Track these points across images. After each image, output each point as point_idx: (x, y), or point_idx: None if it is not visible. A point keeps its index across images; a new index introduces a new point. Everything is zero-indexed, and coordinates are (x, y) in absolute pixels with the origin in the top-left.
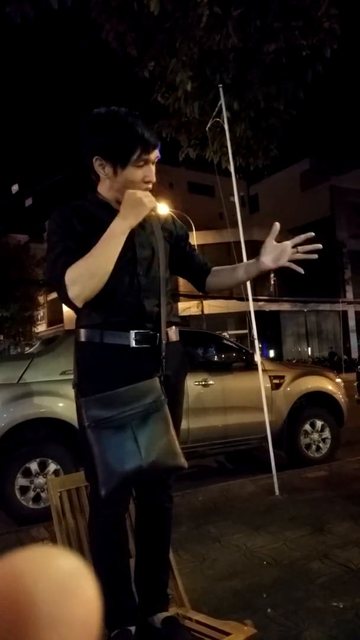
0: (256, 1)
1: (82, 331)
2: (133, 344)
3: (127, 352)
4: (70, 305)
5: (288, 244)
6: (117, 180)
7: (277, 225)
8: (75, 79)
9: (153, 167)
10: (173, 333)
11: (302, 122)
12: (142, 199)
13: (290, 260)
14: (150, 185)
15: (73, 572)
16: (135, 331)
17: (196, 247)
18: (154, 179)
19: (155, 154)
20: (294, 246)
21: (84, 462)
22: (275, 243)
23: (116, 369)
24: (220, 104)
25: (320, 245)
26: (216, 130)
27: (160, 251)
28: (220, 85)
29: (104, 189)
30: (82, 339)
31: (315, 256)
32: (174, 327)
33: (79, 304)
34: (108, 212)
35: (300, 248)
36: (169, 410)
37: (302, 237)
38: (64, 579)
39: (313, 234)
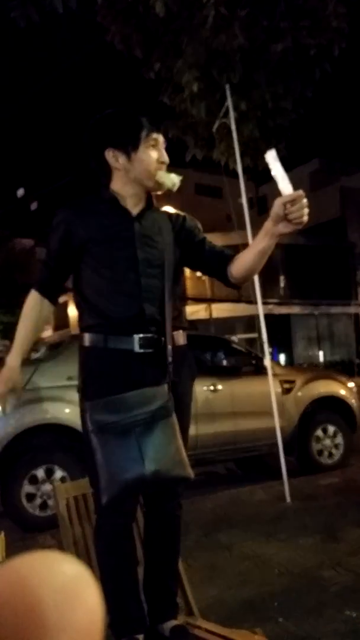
0: (263, 1)
1: (87, 335)
2: (137, 348)
3: (131, 357)
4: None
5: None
6: (133, 166)
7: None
8: (81, 82)
9: (164, 150)
10: (180, 337)
11: (310, 121)
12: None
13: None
14: (164, 167)
15: (77, 578)
16: (140, 335)
17: None
18: (167, 160)
19: (162, 138)
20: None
21: (88, 468)
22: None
23: (121, 374)
24: (227, 105)
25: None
26: (223, 131)
27: (166, 253)
28: (227, 85)
29: (119, 185)
30: (87, 343)
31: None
32: (181, 331)
33: None
34: (115, 211)
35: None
36: (176, 417)
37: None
38: (67, 585)
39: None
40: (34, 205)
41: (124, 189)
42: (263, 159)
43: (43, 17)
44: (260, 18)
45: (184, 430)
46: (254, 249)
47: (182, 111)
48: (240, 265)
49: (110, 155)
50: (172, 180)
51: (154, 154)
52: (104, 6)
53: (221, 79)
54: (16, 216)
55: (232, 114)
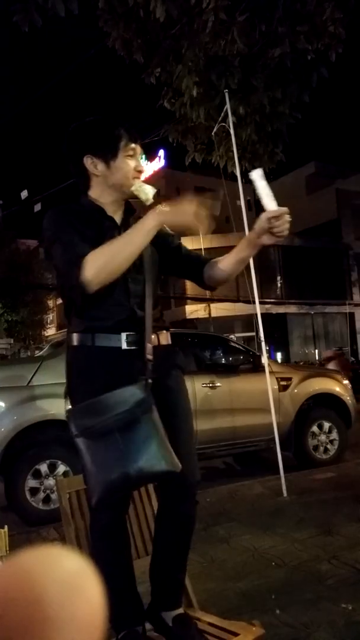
0: (261, 7)
1: (74, 335)
2: (124, 345)
3: (118, 355)
4: (79, 291)
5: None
6: (111, 174)
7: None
8: (83, 86)
9: (140, 160)
10: (164, 337)
11: (307, 125)
12: (191, 213)
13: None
14: (140, 175)
15: (78, 573)
16: (126, 333)
17: (203, 251)
18: (144, 169)
19: (139, 148)
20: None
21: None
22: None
23: (108, 371)
24: (226, 109)
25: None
26: (222, 134)
27: (148, 258)
28: (226, 90)
29: (97, 192)
30: (75, 343)
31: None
32: (164, 331)
33: (92, 288)
34: (100, 219)
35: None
36: (172, 415)
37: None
38: (69, 579)
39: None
40: (37, 207)
41: (103, 195)
42: (260, 162)
43: (45, 21)
44: (259, 23)
45: (187, 427)
46: (235, 257)
47: (182, 115)
48: (220, 270)
49: (89, 162)
50: (147, 194)
51: (132, 163)
52: (105, 11)
53: (220, 84)
54: (20, 217)
55: (230, 118)
